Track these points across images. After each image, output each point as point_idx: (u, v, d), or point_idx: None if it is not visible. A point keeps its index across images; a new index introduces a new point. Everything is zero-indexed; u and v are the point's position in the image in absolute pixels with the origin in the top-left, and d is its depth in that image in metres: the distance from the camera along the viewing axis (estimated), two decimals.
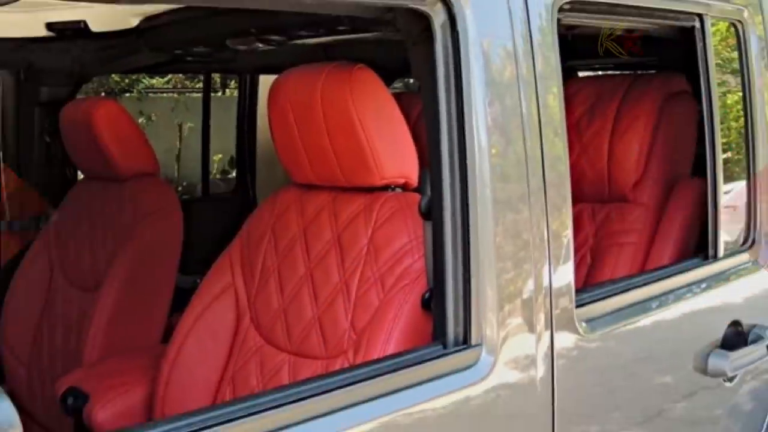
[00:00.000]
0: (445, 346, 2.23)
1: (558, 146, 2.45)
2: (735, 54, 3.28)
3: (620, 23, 2.85)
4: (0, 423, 1.44)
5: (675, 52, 3.38)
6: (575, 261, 2.58)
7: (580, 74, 4.88)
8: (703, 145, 3.11)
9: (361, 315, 2.56)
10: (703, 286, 3.08)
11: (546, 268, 2.39)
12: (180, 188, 8.71)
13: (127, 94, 9.95)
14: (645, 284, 2.87)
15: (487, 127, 2.24)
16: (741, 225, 3.30)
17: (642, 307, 2.79)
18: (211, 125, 5.94)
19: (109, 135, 3.82)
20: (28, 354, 4.11)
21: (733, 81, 3.32)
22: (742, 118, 3.27)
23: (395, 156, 2.58)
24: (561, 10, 2.51)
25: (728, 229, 3.20)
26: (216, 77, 8.43)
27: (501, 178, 2.28)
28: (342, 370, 2.33)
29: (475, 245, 2.22)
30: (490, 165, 2.24)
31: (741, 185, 3.31)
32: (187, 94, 10.26)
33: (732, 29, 3.26)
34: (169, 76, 10.27)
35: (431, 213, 2.33)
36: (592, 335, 2.56)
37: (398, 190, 2.63)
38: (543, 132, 2.39)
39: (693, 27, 3.04)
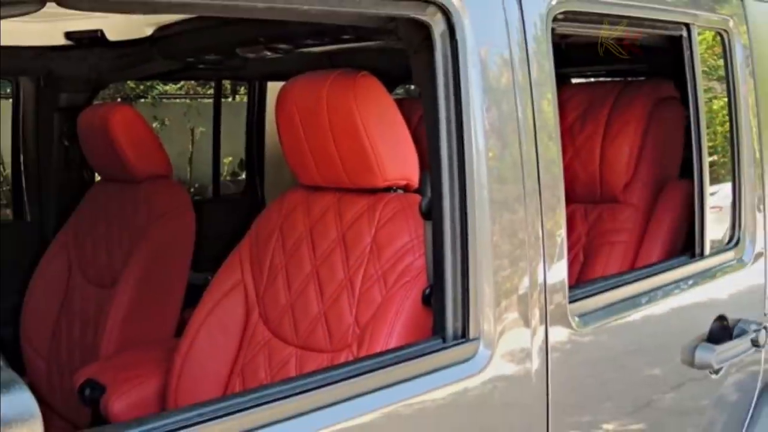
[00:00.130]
0: (444, 340, 2.27)
1: (552, 149, 2.48)
2: (721, 62, 3.28)
3: (612, 32, 2.86)
4: (21, 413, 1.45)
5: (663, 59, 3.40)
6: (568, 259, 2.60)
7: (573, 81, 4.88)
8: (691, 148, 3.12)
9: (364, 310, 2.59)
10: (690, 282, 3.09)
11: (541, 265, 2.42)
12: (192, 189, 8.63)
13: (142, 100, 9.82)
14: (635, 281, 2.89)
15: (485, 132, 2.28)
16: (726, 224, 3.31)
17: (632, 302, 2.81)
18: (222, 129, 5.90)
19: (124, 139, 3.88)
20: (48, 348, 4.15)
21: (719, 87, 3.32)
22: (728, 123, 3.28)
23: (397, 159, 2.61)
24: (555, 19, 2.53)
25: (714, 229, 3.20)
26: (226, 84, 8.35)
27: (498, 179, 2.31)
28: (346, 363, 2.37)
29: (473, 244, 2.26)
30: (488, 167, 2.28)
31: (726, 187, 3.32)
32: (199, 100, 10.12)
33: (718, 38, 3.26)
34: (182, 82, 10.10)
35: (431, 213, 2.35)
36: (585, 329, 2.59)
37: (400, 191, 2.67)
38: (538, 136, 2.42)
39: (681, 36, 3.06)
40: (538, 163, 2.42)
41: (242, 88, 8.43)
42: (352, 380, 2.08)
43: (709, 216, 3.14)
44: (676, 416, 3.13)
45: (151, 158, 4.02)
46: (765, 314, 3.39)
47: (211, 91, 6.74)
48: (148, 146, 4.03)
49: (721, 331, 3.13)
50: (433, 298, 2.40)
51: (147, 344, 3.69)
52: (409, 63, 2.41)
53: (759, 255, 3.37)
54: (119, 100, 9.26)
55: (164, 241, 3.91)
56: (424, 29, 2.24)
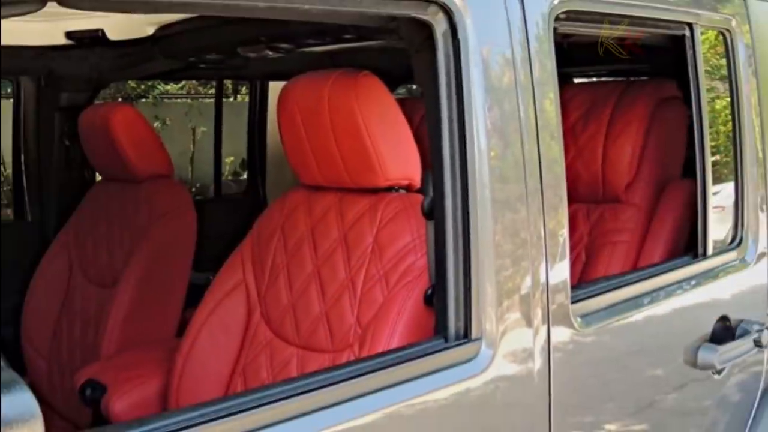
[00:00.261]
0: (446, 340, 2.26)
1: (554, 149, 2.48)
2: (723, 61, 3.27)
3: (614, 32, 2.86)
4: (22, 413, 1.45)
5: (666, 59, 3.40)
6: (571, 259, 2.59)
7: (576, 81, 4.88)
8: (693, 148, 3.13)
9: (366, 310, 2.59)
10: (693, 282, 3.09)
11: (543, 265, 2.42)
12: (193, 189, 8.61)
13: (143, 100, 9.81)
14: (637, 281, 2.88)
15: (487, 131, 2.27)
16: (729, 224, 3.30)
17: (634, 302, 2.81)
18: (223, 129, 5.89)
19: (125, 138, 3.88)
20: (48, 348, 4.15)
21: (722, 87, 3.31)
22: (730, 123, 3.28)
23: (399, 158, 2.61)
24: (557, 19, 2.53)
25: (717, 229, 3.19)
26: (228, 83, 8.36)
27: (500, 179, 2.31)
28: (348, 363, 2.37)
29: (475, 244, 2.25)
30: (490, 167, 2.27)
31: (729, 186, 3.31)
32: (200, 100, 10.09)
33: (720, 38, 3.26)
34: (183, 82, 10.09)
35: (433, 213, 2.35)
36: (587, 330, 2.59)
37: (402, 191, 2.67)
38: (540, 135, 2.41)
39: (683, 35, 3.06)
40: (540, 162, 2.42)
41: (244, 87, 8.42)
42: (354, 380, 2.08)
43: (712, 216, 3.14)
44: (679, 417, 3.13)
45: (152, 158, 4.02)
46: None
47: (213, 90, 6.73)
48: (149, 146, 4.03)
49: (724, 332, 3.12)
50: (434, 298, 2.39)
51: (148, 344, 3.68)
52: (411, 62, 2.41)
53: (762, 255, 3.37)
54: (120, 99, 9.24)
55: (165, 240, 3.91)
56: (426, 29, 2.24)
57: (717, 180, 3.22)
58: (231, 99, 9.65)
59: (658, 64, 3.85)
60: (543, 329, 2.44)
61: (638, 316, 2.83)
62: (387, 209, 2.65)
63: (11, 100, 4.81)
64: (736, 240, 3.30)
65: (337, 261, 2.73)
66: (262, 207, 4.63)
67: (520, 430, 2.46)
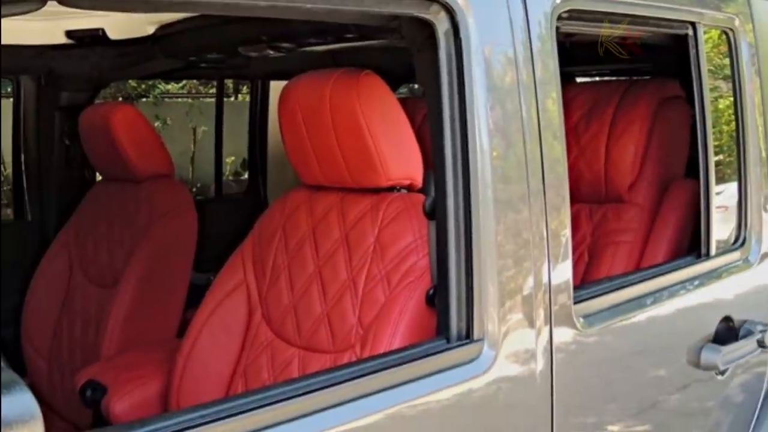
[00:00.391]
0: (448, 341, 2.26)
1: (557, 149, 2.47)
2: (726, 60, 3.27)
3: (616, 31, 2.85)
4: (22, 414, 1.44)
5: (669, 58, 3.40)
6: (573, 259, 2.59)
7: (578, 80, 4.88)
8: (696, 148, 3.13)
9: (367, 311, 2.58)
10: (696, 283, 3.08)
11: (545, 265, 2.41)
12: (194, 189, 8.60)
13: (144, 99, 9.79)
14: (640, 281, 2.88)
15: (489, 131, 2.26)
16: (732, 224, 3.31)
17: (637, 303, 2.80)
18: (224, 129, 5.88)
19: (126, 138, 3.88)
20: (49, 348, 4.15)
21: (725, 86, 3.30)
22: (734, 122, 3.27)
23: (400, 158, 2.61)
24: (560, 18, 2.52)
25: (720, 229, 3.20)
26: (229, 83, 8.38)
27: (502, 179, 2.30)
28: (350, 364, 2.37)
29: (477, 244, 2.25)
30: (492, 167, 2.26)
31: (732, 186, 3.31)
32: (201, 99, 10.09)
33: (723, 37, 3.26)
34: (184, 81, 10.10)
35: (435, 213, 2.34)
36: (590, 330, 2.58)
37: (403, 191, 2.66)
38: (542, 135, 2.41)
39: (686, 35, 3.06)
40: (542, 162, 2.41)
41: (245, 87, 8.41)
42: (356, 381, 2.07)
43: (715, 216, 3.14)
44: (682, 417, 3.13)
45: (152, 158, 4.02)
46: None
47: (214, 90, 6.73)
48: (149, 145, 4.03)
49: (727, 332, 3.12)
50: (436, 299, 2.39)
51: (149, 345, 3.68)
52: (413, 62, 2.40)
53: (765, 255, 3.36)
54: (121, 99, 9.24)
55: (166, 240, 3.91)
56: (428, 28, 2.23)
57: (720, 180, 3.23)
58: (232, 98, 9.64)
59: (661, 63, 3.86)
60: (545, 330, 2.43)
61: (641, 316, 2.82)
62: (389, 209, 2.64)
63: (11, 99, 4.81)
64: (739, 240, 3.30)
65: (339, 261, 2.72)
66: (263, 207, 4.63)
67: (522, 431, 2.45)
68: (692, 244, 3.28)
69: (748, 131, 3.28)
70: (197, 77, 8.26)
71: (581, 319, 2.56)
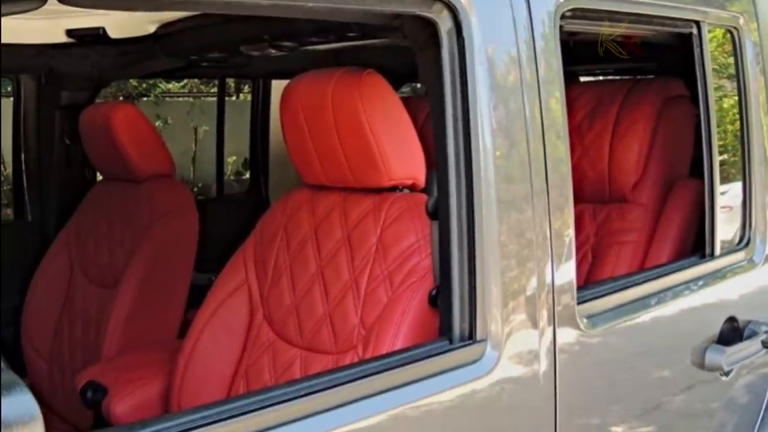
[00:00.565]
0: (451, 342, 2.25)
1: (560, 148, 2.46)
2: (731, 59, 3.27)
3: (620, 30, 2.85)
4: (22, 415, 1.44)
5: (673, 57, 3.40)
6: (577, 259, 2.59)
7: (582, 79, 4.87)
8: (700, 147, 3.12)
9: (370, 311, 2.58)
10: (701, 283, 3.08)
11: (549, 266, 2.41)
12: (195, 189, 8.59)
13: (145, 98, 9.77)
14: (644, 282, 2.87)
15: (492, 130, 2.26)
16: (736, 224, 3.30)
17: (641, 303, 2.80)
18: (226, 128, 5.87)
19: (127, 138, 3.87)
20: (49, 349, 4.14)
21: (729, 85, 3.31)
22: (738, 122, 3.27)
23: (403, 158, 2.60)
24: (563, 17, 2.52)
25: (724, 229, 3.19)
26: (230, 82, 8.38)
27: (505, 179, 2.30)
28: (352, 365, 2.36)
29: (480, 244, 2.24)
30: (495, 166, 2.26)
31: (737, 186, 3.31)
32: (203, 98, 10.12)
33: (728, 36, 3.26)
34: (185, 80, 10.12)
35: (438, 213, 2.33)
36: (593, 331, 2.58)
37: (406, 190, 2.65)
38: (546, 135, 2.40)
39: (690, 33, 3.05)
40: (546, 162, 2.41)
41: (246, 86, 8.40)
42: (358, 382, 2.07)
43: (720, 216, 3.13)
44: (686, 418, 3.12)
45: (153, 157, 4.02)
46: None
47: (215, 89, 6.72)
48: (150, 145, 4.02)
49: (732, 333, 3.12)
50: (439, 299, 2.38)
51: (150, 345, 3.68)
52: (415, 61, 2.40)
53: None
54: (121, 98, 9.23)
55: (167, 240, 3.90)
56: (431, 26, 2.23)
57: (724, 179, 3.22)
58: (233, 98, 9.63)
59: (665, 62, 3.86)
60: (549, 330, 2.43)
61: (645, 317, 2.82)
62: (391, 209, 2.64)
63: (11, 98, 4.79)
64: (743, 240, 3.30)
65: (341, 261, 2.71)
66: (264, 207, 4.61)
67: None
68: (696, 244, 3.28)
69: (752, 130, 3.28)
70: (198, 76, 8.28)
71: (585, 320, 2.55)
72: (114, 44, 3.91)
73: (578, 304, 2.53)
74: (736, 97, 3.28)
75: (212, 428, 1.83)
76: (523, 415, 2.43)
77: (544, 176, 2.40)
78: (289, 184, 3.35)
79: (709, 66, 3.08)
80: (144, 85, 9.80)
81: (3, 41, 1.84)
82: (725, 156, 3.32)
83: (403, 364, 2.15)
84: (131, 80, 8.89)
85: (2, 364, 1.51)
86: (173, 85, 10.36)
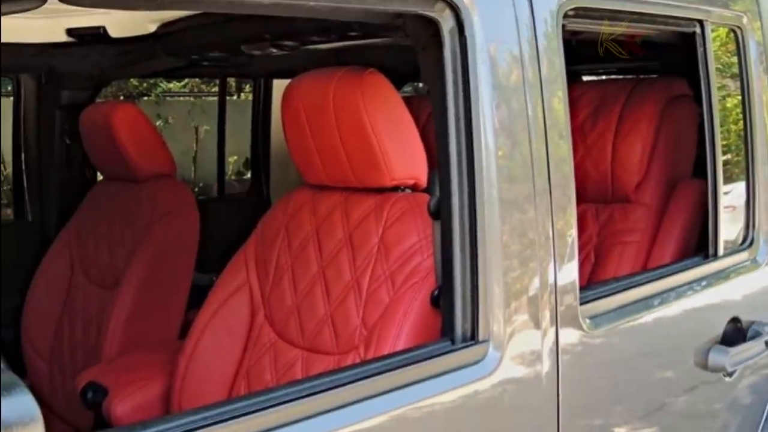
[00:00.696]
0: (453, 342, 2.25)
1: (563, 148, 2.46)
2: (734, 59, 3.27)
3: (623, 29, 2.85)
4: (22, 416, 1.44)
5: (676, 56, 3.38)
6: (579, 259, 2.59)
7: (585, 78, 4.86)
8: (704, 147, 3.12)
9: (371, 312, 2.57)
10: (704, 283, 3.08)
11: (551, 266, 2.40)
12: (196, 189, 8.59)
13: (145, 98, 9.78)
14: (647, 282, 2.87)
15: (494, 130, 2.26)
16: (740, 224, 3.30)
17: (644, 304, 2.79)
18: (227, 128, 5.87)
19: (127, 137, 3.87)
20: (49, 349, 4.14)
21: (733, 85, 3.30)
22: (742, 121, 3.27)
23: (405, 157, 2.59)
24: (566, 16, 2.51)
25: (728, 229, 3.19)
26: (231, 81, 8.39)
27: (507, 178, 2.29)
28: (354, 365, 2.34)
29: (483, 244, 2.23)
30: (497, 166, 2.25)
31: (740, 186, 3.30)
32: (204, 98, 10.14)
33: (731, 35, 3.26)
34: (186, 80, 10.13)
35: (440, 213, 2.34)
36: (596, 331, 2.57)
37: (408, 190, 2.65)
38: (548, 134, 2.40)
39: (694, 33, 3.05)
40: (548, 161, 2.40)
41: (247, 85, 8.41)
42: (360, 383, 2.07)
43: (723, 216, 3.13)
44: (689, 420, 3.11)
45: (154, 157, 4.01)
46: None
47: (216, 88, 6.72)
48: (151, 145, 4.02)
49: (735, 333, 3.11)
50: (441, 299, 2.38)
51: (150, 346, 3.67)
52: (417, 60, 2.39)
53: None
54: (122, 97, 9.24)
55: (168, 240, 3.90)
56: (433, 26, 2.23)
57: (728, 179, 3.21)
58: (234, 97, 9.63)
59: (668, 61, 3.84)
60: (551, 331, 2.42)
61: (648, 317, 2.81)
62: (393, 209, 2.63)
63: (11, 98, 4.79)
64: (747, 240, 3.30)
65: (343, 261, 2.71)
66: (265, 207, 4.60)
67: None
68: (700, 244, 3.28)
69: (756, 130, 3.27)
70: (199, 76, 8.29)
71: (587, 320, 2.55)
72: (114, 43, 3.90)
73: (581, 304, 2.52)
74: (740, 97, 3.28)
75: (213, 429, 1.82)
76: (525, 416, 2.43)
77: (546, 176, 2.40)
78: (291, 184, 3.34)
79: (713, 65, 3.08)
80: (145, 85, 9.81)
81: (3, 40, 1.83)
82: (729, 156, 3.31)
83: (405, 365, 2.14)
84: (132, 80, 8.90)
85: (2, 365, 1.50)
86: (174, 85, 10.38)
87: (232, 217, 5.21)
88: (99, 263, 4.08)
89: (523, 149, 2.34)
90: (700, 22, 3.05)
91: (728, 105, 3.33)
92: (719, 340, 3.06)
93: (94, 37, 3.69)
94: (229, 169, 7.84)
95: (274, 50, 3.42)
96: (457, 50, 2.23)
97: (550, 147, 2.41)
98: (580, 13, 2.62)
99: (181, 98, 10.67)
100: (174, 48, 3.86)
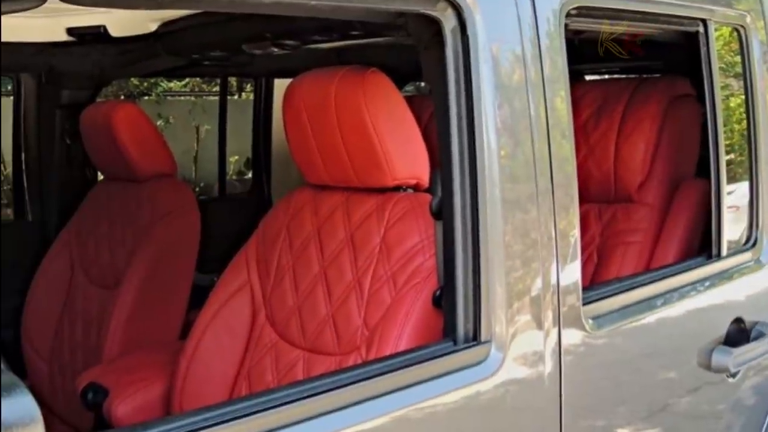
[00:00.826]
0: (455, 343, 2.24)
1: (565, 148, 2.46)
2: (738, 58, 3.27)
3: (626, 28, 2.85)
4: (22, 417, 1.43)
5: (679, 56, 3.38)
6: (582, 260, 2.57)
7: (587, 78, 4.85)
8: (707, 146, 3.11)
9: (373, 312, 2.57)
10: (707, 284, 3.07)
11: (554, 266, 2.40)
12: (197, 189, 8.62)
13: (146, 97, 9.79)
14: (650, 282, 2.86)
15: (497, 129, 2.25)
16: (743, 225, 3.29)
17: (647, 304, 2.79)
18: (228, 127, 5.88)
19: (128, 137, 3.86)
20: (49, 350, 4.13)
21: (736, 84, 3.30)
22: (745, 121, 3.27)
23: (407, 157, 2.59)
24: (568, 15, 2.51)
25: (731, 229, 3.18)
26: (232, 81, 8.40)
27: (510, 178, 2.29)
28: (355, 366, 2.35)
29: (485, 244, 2.23)
30: (500, 166, 2.25)
31: (744, 186, 3.30)
32: (205, 97, 10.14)
33: (735, 34, 3.26)
34: (187, 79, 10.14)
35: (442, 213, 2.33)
36: (599, 332, 2.57)
37: (410, 190, 2.64)
38: (551, 134, 2.39)
39: (697, 32, 3.04)
40: (551, 161, 2.40)
41: (248, 85, 8.42)
42: (361, 384, 2.06)
43: (726, 216, 3.12)
44: (692, 420, 3.11)
45: (155, 157, 4.01)
46: None
47: (217, 88, 6.73)
48: (152, 144, 4.02)
49: (739, 334, 3.11)
50: (443, 300, 2.37)
51: (151, 346, 3.66)
52: (419, 59, 2.39)
53: None
54: (123, 97, 9.25)
55: (169, 240, 3.90)
56: (435, 25, 2.22)
57: (731, 179, 3.22)
58: (236, 96, 9.64)
59: (672, 60, 3.82)
60: (554, 331, 2.42)
61: (651, 318, 2.81)
62: (395, 209, 2.63)
63: (11, 97, 4.78)
64: (750, 240, 3.29)
65: (344, 262, 2.70)
66: (267, 207, 4.61)
67: None
68: (703, 244, 3.27)
69: (759, 130, 3.27)
70: (200, 75, 8.30)
71: (590, 321, 2.54)
72: (115, 43, 3.90)
73: (583, 305, 2.51)
74: (743, 96, 3.28)
75: (214, 430, 1.82)
76: (528, 417, 2.42)
77: (549, 176, 2.39)
78: (292, 184, 3.33)
79: (716, 65, 3.07)
80: (145, 84, 9.84)
81: (3, 39, 1.83)
82: (732, 155, 3.31)
83: (406, 366, 2.14)
84: (132, 79, 8.91)
85: (2, 366, 1.50)
86: (175, 84, 10.41)
87: (233, 217, 5.21)
88: (99, 263, 4.08)
89: (526, 149, 2.34)
90: (704, 21, 3.05)
91: (731, 104, 3.34)
92: (722, 341, 3.05)
93: (95, 36, 3.69)
94: (230, 168, 7.85)
95: (276, 49, 3.42)
96: (459, 49, 2.22)
97: (553, 147, 2.40)
98: (583, 12, 2.62)
99: (182, 98, 10.70)
100: (175, 47, 3.86)
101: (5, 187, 7.40)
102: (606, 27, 2.82)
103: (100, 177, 4.66)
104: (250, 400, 1.95)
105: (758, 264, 3.29)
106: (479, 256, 2.24)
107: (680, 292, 2.95)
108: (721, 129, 3.09)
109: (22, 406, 1.45)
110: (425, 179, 2.62)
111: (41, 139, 4.59)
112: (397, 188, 2.65)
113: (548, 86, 2.41)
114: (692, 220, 3.41)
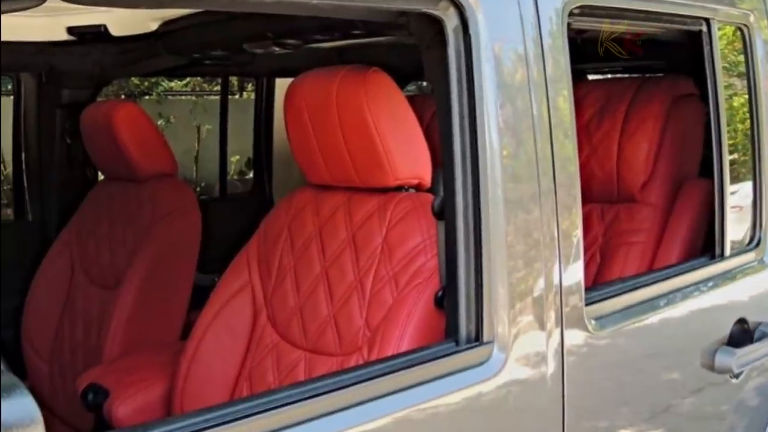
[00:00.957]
0: (457, 343, 2.24)
1: (568, 147, 2.45)
2: (741, 57, 3.27)
3: (629, 27, 2.84)
4: (22, 418, 1.43)
5: (682, 55, 3.39)
6: (585, 260, 2.57)
7: (590, 77, 4.86)
8: (710, 146, 3.11)
9: (375, 313, 2.56)
10: (710, 284, 3.07)
11: (556, 266, 2.39)
12: (198, 189, 8.63)
13: (147, 97, 9.81)
14: (653, 282, 2.86)
15: (499, 129, 2.24)
16: (747, 225, 3.29)
17: (650, 305, 2.79)
18: (229, 127, 5.87)
19: (128, 137, 3.85)
20: (50, 351, 4.13)
21: (740, 84, 3.30)
22: (748, 121, 3.26)
23: (409, 157, 2.58)
24: (571, 14, 2.51)
25: (734, 229, 3.18)
26: (233, 80, 8.38)
27: (512, 178, 2.29)
28: (357, 367, 2.35)
29: (487, 244, 2.22)
30: (502, 166, 2.24)
31: (747, 186, 3.30)
32: (206, 97, 10.14)
33: (738, 33, 3.26)
34: (188, 79, 10.16)
35: (444, 213, 2.32)
36: (602, 332, 2.56)
37: (412, 190, 2.64)
38: (553, 133, 2.39)
39: (700, 31, 3.04)
40: (553, 161, 2.40)
41: (250, 84, 8.41)
42: (363, 384, 2.06)
43: (730, 216, 3.12)
44: (695, 421, 3.10)
45: (155, 156, 4.00)
46: None
47: (218, 87, 6.73)
48: (152, 144, 4.01)
49: (742, 335, 3.10)
50: (445, 300, 2.37)
51: (152, 347, 3.66)
52: (421, 59, 2.38)
53: None
54: (123, 96, 9.25)
55: (169, 240, 3.89)
56: (437, 24, 2.22)
57: (735, 179, 3.21)
58: (237, 96, 9.64)
59: (675, 60, 3.84)
60: (556, 332, 2.42)
61: (654, 318, 2.81)
62: (396, 209, 2.62)
63: (11, 96, 4.77)
64: (754, 240, 3.29)
65: (346, 262, 2.70)
66: (268, 207, 4.59)
67: None
68: (706, 244, 3.26)
69: (763, 129, 3.27)
70: (201, 74, 8.31)
71: (593, 321, 2.54)
72: (115, 42, 3.90)
73: (586, 305, 2.51)
74: (747, 96, 3.28)
75: (215, 431, 1.82)
76: (530, 418, 2.42)
77: (551, 175, 2.39)
78: (293, 184, 3.33)
79: (719, 64, 3.07)
80: (146, 84, 9.85)
81: (3, 39, 1.82)
82: (735, 155, 3.32)
83: (408, 366, 2.13)
84: (133, 78, 8.92)
85: (2, 366, 1.50)
86: (176, 84, 10.43)
87: (234, 217, 5.18)
88: (100, 263, 4.07)
89: (528, 148, 2.33)
90: (707, 20, 3.04)
91: (735, 104, 3.34)
92: (726, 342, 3.05)
93: (95, 35, 3.69)
94: (231, 168, 7.84)
95: (277, 49, 3.42)
96: (462, 49, 2.22)
97: (555, 146, 2.40)
98: (586, 11, 2.61)
99: (183, 97, 10.71)
100: (175, 46, 3.85)
101: (5, 187, 7.41)
102: (608, 26, 2.81)
103: (101, 177, 4.66)
104: (251, 401, 1.95)
105: (762, 264, 3.29)
106: (481, 256, 2.23)
107: (683, 293, 2.95)
108: (724, 128, 3.09)
109: (22, 406, 1.44)
110: (427, 179, 2.61)
111: (41, 139, 4.58)
112: (398, 188, 2.64)
113: (551, 86, 2.40)
114: (695, 220, 3.41)
